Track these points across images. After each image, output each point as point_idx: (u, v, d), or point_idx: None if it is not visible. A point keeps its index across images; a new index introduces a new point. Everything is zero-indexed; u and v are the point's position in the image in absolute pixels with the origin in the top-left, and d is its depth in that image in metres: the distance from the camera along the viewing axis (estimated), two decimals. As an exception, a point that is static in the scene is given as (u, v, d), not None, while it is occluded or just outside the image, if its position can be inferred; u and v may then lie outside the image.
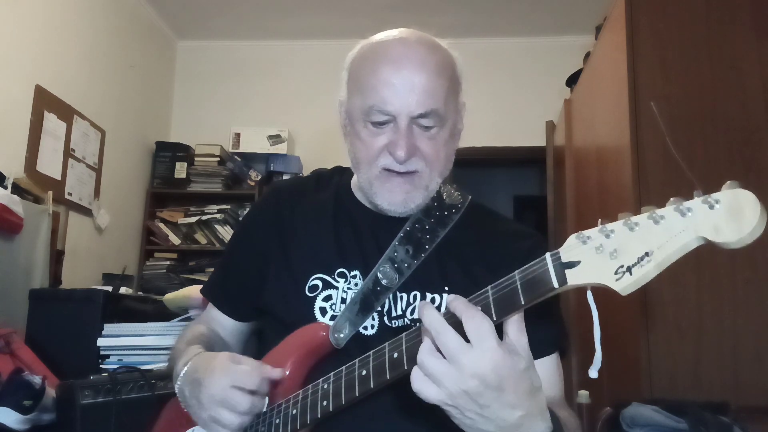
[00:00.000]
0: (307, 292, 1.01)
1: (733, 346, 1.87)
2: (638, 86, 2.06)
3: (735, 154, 1.97)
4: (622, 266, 0.63)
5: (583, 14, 3.71)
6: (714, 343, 1.87)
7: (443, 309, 1.00)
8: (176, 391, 0.99)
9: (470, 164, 4.58)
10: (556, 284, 0.67)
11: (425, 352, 0.71)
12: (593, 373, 0.68)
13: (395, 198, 0.98)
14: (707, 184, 0.62)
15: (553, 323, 0.98)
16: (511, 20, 4.24)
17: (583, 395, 1.74)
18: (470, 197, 1.10)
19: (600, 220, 0.66)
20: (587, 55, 2.96)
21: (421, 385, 0.71)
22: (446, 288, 1.00)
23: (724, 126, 2.00)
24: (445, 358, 0.69)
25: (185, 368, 0.97)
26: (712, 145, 1.98)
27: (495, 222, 1.09)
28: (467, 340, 0.69)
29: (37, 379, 1.62)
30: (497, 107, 4.13)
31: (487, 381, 0.68)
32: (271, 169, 4.24)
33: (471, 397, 0.69)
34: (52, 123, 3.13)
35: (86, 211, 3.47)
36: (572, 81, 3.28)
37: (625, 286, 0.63)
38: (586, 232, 0.66)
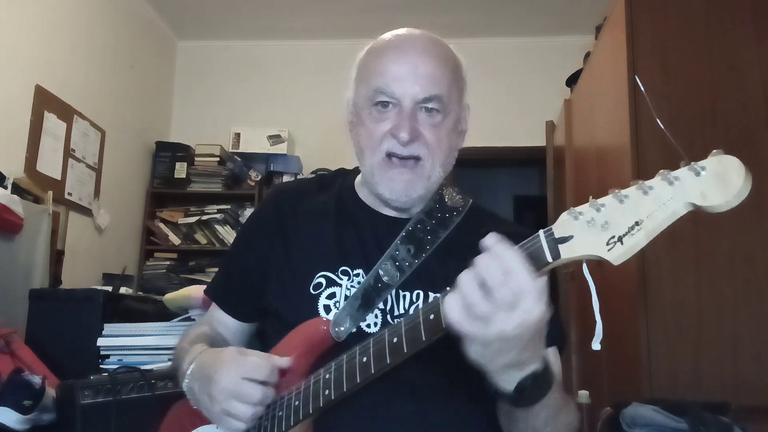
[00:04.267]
0: (311, 290, 1.02)
1: (733, 346, 1.87)
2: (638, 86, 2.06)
3: (735, 154, 1.96)
4: (613, 237, 0.65)
5: (583, 14, 3.71)
6: (714, 343, 1.87)
7: None
8: (185, 389, 1.00)
9: (470, 164, 4.58)
10: (549, 258, 0.69)
11: (472, 287, 0.69)
12: (596, 345, 0.70)
13: (396, 186, 0.99)
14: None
15: (552, 322, 0.99)
16: (511, 20, 4.23)
17: (583, 395, 1.73)
18: (471, 200, 1.11)
19: (591, 197, 0.67)
20: (587, 55, 2.96)
21: (460, 317, 0.69)
22: (447, 288, 1.00)
23: (724, 126, 2.00)
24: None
25: (192, 366, 0.99)
26: (712, 145, 1.96)
27: (495, 224, 1.09)
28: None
29: (37, 379, 1.61)
30: (497, 107, 4.12)
31: (531, 330, 0.68)
32: (271, 169, 4.24)
33: (507, 340, 0.68)
34: (52, 123, 3.13)
35: (86, 211, 3.47)
36: (572, 81, 3.28)
37: (616, 255, 0.65)
38: (578, 208, 0.68)
